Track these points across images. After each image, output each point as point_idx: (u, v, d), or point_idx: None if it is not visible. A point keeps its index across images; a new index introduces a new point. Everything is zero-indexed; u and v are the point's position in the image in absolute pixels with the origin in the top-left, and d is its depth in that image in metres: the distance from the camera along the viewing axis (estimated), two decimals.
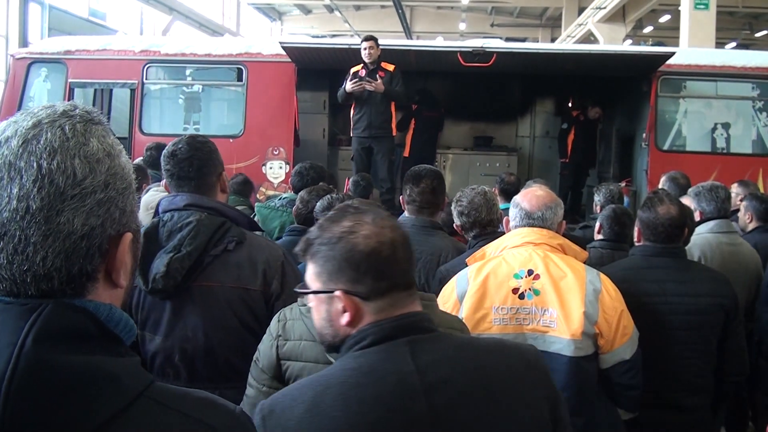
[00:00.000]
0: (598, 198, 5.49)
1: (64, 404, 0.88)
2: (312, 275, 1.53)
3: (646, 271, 3.23)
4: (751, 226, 4.91)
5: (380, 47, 7.86)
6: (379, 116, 7.92)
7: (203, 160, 2.64)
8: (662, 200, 3.31)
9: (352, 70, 7.94)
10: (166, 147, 2.71)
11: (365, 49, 7.80)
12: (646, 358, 3.05)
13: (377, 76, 7.87)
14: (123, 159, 1.03)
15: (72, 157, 0.96)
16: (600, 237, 4.35)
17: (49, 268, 0.95)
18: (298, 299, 2.18)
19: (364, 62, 7.87)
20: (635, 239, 3.43)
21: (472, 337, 1.65)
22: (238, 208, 3.67)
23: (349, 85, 7.66)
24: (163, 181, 4.84)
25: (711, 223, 4.30)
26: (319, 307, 1.55)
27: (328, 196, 3.55)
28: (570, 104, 10.08)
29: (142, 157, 6.75)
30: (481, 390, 1.45)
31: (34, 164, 0.94)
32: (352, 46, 8.31)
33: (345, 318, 1.49)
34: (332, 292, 1.49)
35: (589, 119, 9.79)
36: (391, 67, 7.93)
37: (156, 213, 2.63)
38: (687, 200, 4.39)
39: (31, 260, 0.94)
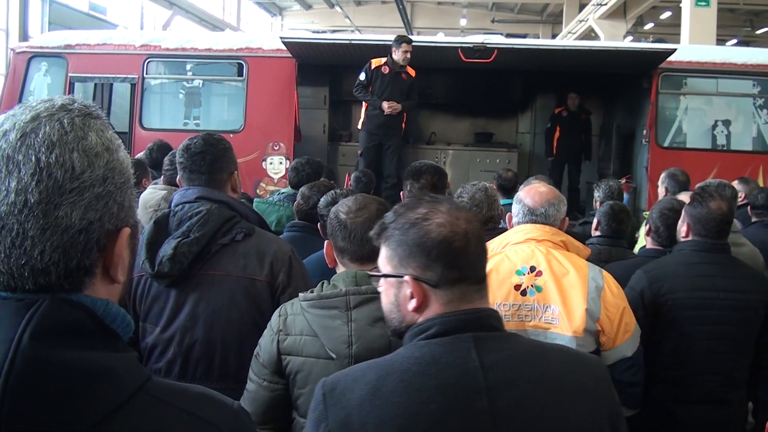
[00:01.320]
0: (597, 194, 5.50)
1: (61, 400, 0.88)
2: (384, 259, 1.54)
3: (698, 266, 3.24)
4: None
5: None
6: (395, 117, 8.03)
7: (216, 155, 2.68)
8: (712, 195, 3.29)
9: (374, 64, 7.91)
10: (183, 141, 2.77)
11: (405, 52, 7.78)
12: (694, 353, 3.10)
13: (401, 78, 7.88)
14: (121, 154, 1.03)
15: (71, 150, 0.96)
16: (597, 233, 4.36)
17: (47, 262, 0.94)
18: (299, 294, 2.19)
19: (391, 61, 7.85)
20: (683, 235, 3.39)
21: (541, 342, 1.64)
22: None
23: (387, 110, 7.85)
24: (161, 178, 4.87)
25: None
26: (388, 291, 1.56)
27: (332, 191, 3.55)
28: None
29: (143, 152, 6.75)
30: (545, 396, 1.43)
31: (33, 158, 0.94)
32: (353, 42, 8.31)
33: (412, 304, 1.49)
34: (402, 276, 1.50)
35: (575, 115, 9.67)
36: (413, 73, 7.97)
37: (169, 207, 2.67)
38: (685, 197, 4.38)
39: (29, 254, 0.94)
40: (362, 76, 7.96)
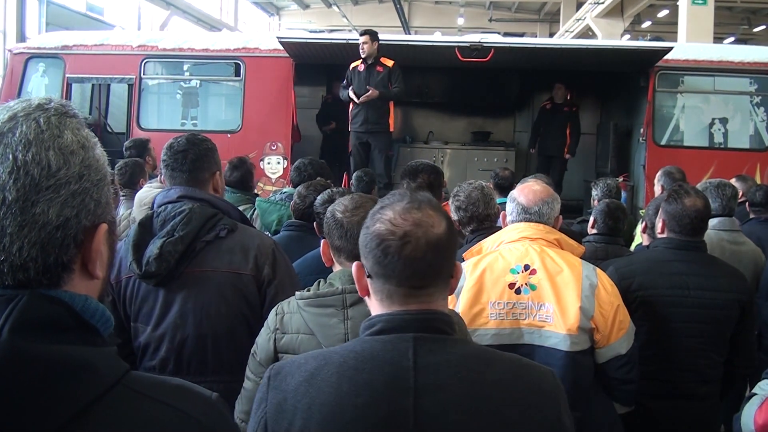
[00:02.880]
0: (595, 192, 5.52)
1: (39, 393, 0.89)
2: None
3: (670, 263, 3.24)
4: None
5: (379, 42, 7.88)
6: (376, 111, 7.95)
7: (198, 154, 2.72)
8: (688, 192, 3.29)
9: (352, 65, 7.96)
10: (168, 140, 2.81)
11: (360, 44, 7.83)
12: (665, 350, 3.11)
13: (375, 71, 7.89)
14: (97, 151, 1.05)
15: (47, 149, 0.97)
16: (594, 231, 4.37)
17: (25, 258, 0.96)
18: (296, 293, 2.20)
19: (363, 58, 7.89)
20: (658, 231, 3.40)
21: (490, 350, 1.61)
22: (241, 207, 3.69)
23: (359, 100, 7.79)
24: (159, 177, 4.88)
25: (714, 221, 4.28)
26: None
27: (329, 190, 3.55)
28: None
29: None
30: (475, 403, 1.42)
31: (10, 156, 0.96)
32: (350, 41, 8.32)
33: (359, 287, 1.57)
34: (359, 260, 1.56)
35: (558, 107, 9.52)
36: (390, 63, 7.95)
37: (151, 208, 2.70)
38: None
39: (7, 250, 0.95)
40: (344, 81, 8.05)
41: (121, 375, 0.98)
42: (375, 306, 1.54)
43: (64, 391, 0.91)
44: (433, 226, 1.48)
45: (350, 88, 7.88)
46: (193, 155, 2.70)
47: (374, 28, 8.46)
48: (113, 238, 1.09)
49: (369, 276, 1.51)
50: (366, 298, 1.57)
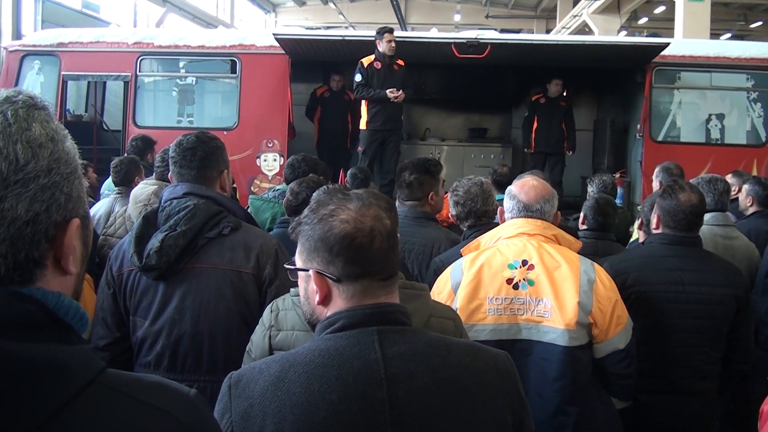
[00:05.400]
0: (591, 189, 5.53)
1: (12, 395, 0.87)
2: (297, 253, 1.59)
3: (665, 259, 3.24)
4: (750, 210, 4.92)
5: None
6: (398, 109, 8.01)
7: (207, 152, 2.73)
8: (683, 188, 3.29)
9: (366, 63, 7.90)
10: (177, 137, 2.82)
11: (389, 41, 7.78)
12: (660, 346, 3.10)
13: (393, 69, 7.89)
14: (68, 144, 1.02)
15: (14, 142, 0.95)
16: (584, 227, 4.37)
17: None
18: (291, 290, 2.19)
19: (380, 55, 7.84)
20: (653, 227, 3.40)
21: (446, 336, 1.65)
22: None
23: (394, 98, 7.76)
24: (153, 175, 4.88)
25: (707, 216, 4.29)
26: (300, 284, 1.62)
27: (325, 186, 3.54)
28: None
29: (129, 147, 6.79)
30: (444, 388, 1.47)
31: None
32: (346, 38, 8.30)
33: (317, 297, 1.54)
34: (307, 270, 1.55)
35: (554, 102, 9.39)
36: (402, 62, 7.97)
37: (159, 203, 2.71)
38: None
39: None
40: (358, 77, 7.93)
41: (97, 373, 0.96)
42: (339, 306, 1.53)
43: (37, 392, 0.88)
44: (386, 218, 1.54)
45: (387, 90, 7.81)
46: (202, 153, 2.71)
47: (371, 25, 8.47)
48: (86, 233, 1.07)
49: (338, 279, 1.51)
50: (320, 306, 1.55)
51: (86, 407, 0.92)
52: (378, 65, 7.89)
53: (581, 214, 4.45)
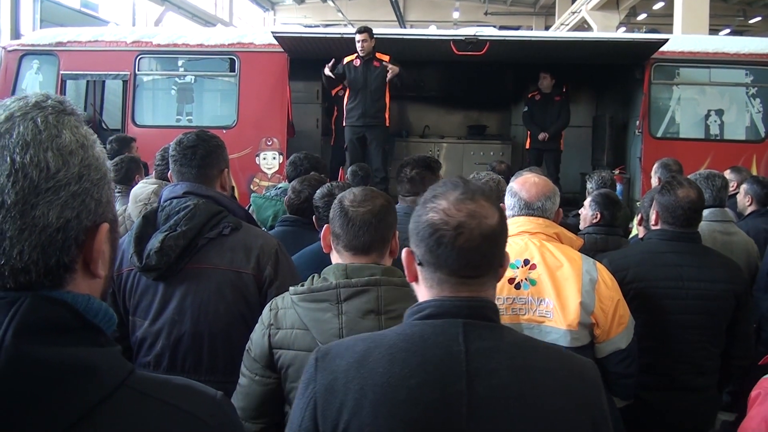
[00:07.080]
0: (590, 185, 5.53)
1: (44, 398, 0.88)
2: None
3: (664, 255, 3.24)
4: (749, 209, 4.92)
5: (374, 38, 7.88)
6: (374, 105, 7.96)
7: (207, 151, 2.72)
8: (681, 184, 3.30)
9: (346, 60, 7.97)
10: (177, 136, 2.82)
11: (359, 41, 7.84)
12: (660, 342, 3.11)
13: (373, 66, 7.90)
14: (97, 149, 1.03)
15: (45, 150, 0.95)
16: (595, 222, 4.36)
17: (27, 261, 0.94)
18: (290, 288, 2.19)
19: (358, 53, 7.87)
20: (652, 223, 3.40)
21: (534, 339, 1.63)
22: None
23: (325, 71, 7.90)
24: (152, 173, 4.88)
25: (705, 212, 4.29)
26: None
27: (328, 184, 3.55)
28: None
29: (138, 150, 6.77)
30: (525, 391, 1.44)
31: (8, 159, 0.93)
32: (345, 36, 8.30)
33: (408, 273, 1.57)
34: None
35: (548, 97, 9.28)
36: (386, 58, 7.96)
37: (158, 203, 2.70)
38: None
39: (7, 254, 0.94)
40: (333, 65, 8.03)
41: (126, 376, 0.97)
42: (423, 292, 1.55)
43: (68, 394, 0.90)
44: (487, 217, 1.50)
45: (358, 90, 7.91)
46: (203, 151, 2.70)
47: (369, 22, 8.48)
48: (115, 236, 1.08)
49: (420, 263, 1.52)
50: (413, 284, 1.58)
51: (115, 410, 0.93)
52: (357, 63, 8.00)
53: (589, 212, 4.43)
